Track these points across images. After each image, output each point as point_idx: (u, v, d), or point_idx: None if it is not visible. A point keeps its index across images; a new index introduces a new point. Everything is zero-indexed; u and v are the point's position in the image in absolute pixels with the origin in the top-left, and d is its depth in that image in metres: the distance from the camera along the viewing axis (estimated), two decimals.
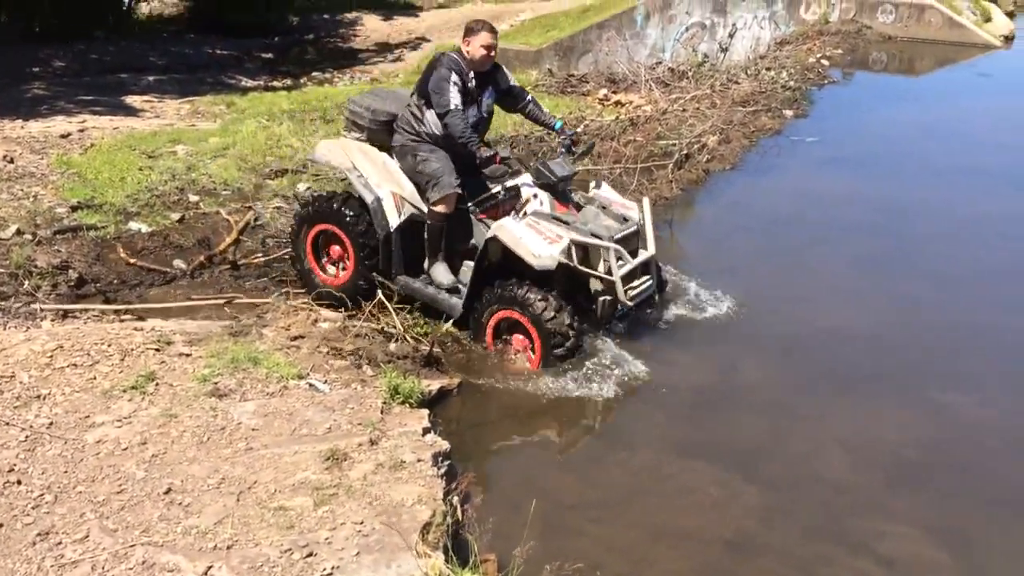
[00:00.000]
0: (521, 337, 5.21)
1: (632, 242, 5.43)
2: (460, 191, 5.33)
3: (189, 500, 3.42)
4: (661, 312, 5.80)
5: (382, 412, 4.26)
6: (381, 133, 5.66)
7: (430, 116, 5.32)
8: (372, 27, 15.29)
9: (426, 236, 5.50)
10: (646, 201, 5.70)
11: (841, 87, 13.38)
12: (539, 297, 5.03)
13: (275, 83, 12.16)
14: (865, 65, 14.99)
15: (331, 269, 5.83)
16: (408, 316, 5.49)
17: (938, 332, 6.03)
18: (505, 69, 5.68)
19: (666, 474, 4.49)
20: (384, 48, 14.18)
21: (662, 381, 5.14)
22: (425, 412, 4.39)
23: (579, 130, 8.96)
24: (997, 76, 14.54)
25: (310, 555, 3.15)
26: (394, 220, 5.44)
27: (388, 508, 3.46)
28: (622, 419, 4.82)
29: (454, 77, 5.19)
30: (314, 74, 12.78)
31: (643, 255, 5.45)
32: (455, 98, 5.16)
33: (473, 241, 5.50)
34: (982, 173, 9.39)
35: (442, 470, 3.89)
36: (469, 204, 5.45)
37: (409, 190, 5.51)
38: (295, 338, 4.92)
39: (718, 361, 5.36)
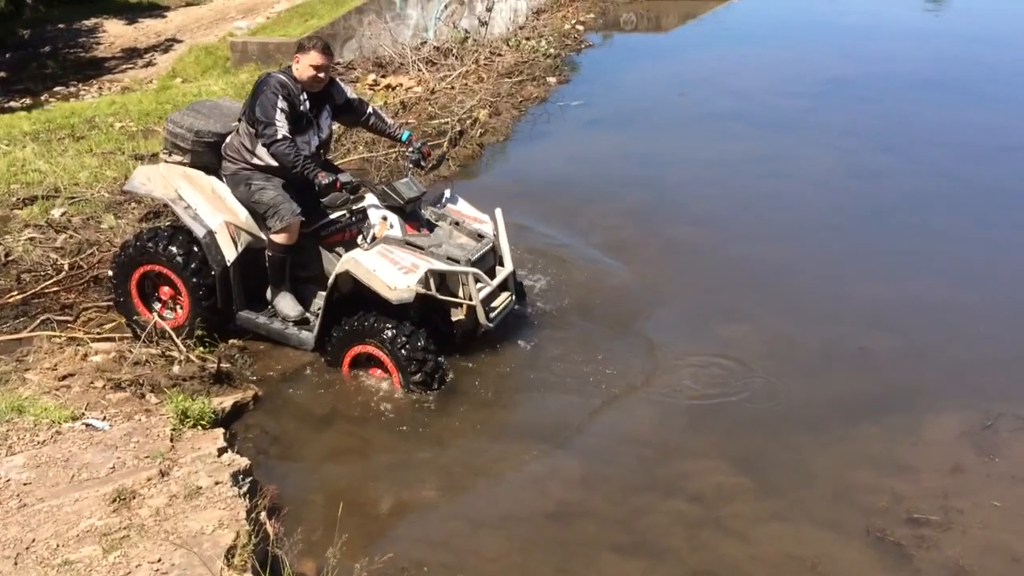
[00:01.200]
0: (379, 371, 4.94)
1: (489, 259, 5.22)
2: (302, 219, 4.98)
3: None
4: None
5: (171, 440, 4.04)
6: (206, 155, 5.19)
7: (262, 149, 4.92)
8: (116, 32, 14.33)
9: (268, 267, 5.12)
10: (499, 213, 5.45)
11: (598, 50, 13.95)
12: (389, 326, 4.78)
13: (12, 103, 11.19)
14: (617, 27, 15.72)
15: (168, 314, 5.31)
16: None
17: (703, 270, 6.43)
18: (340, 83, 5.34)
19: (480, 463, 4.48)
20: (132, 53, 13.37)
21: (461, 367, 5.11)
22: (220, 432, 4.20)
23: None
24: (735, 26, 15.67)
25: None
26: (230, 254, 5.01)
27: (187, 539, 3.28)
28: (428, 414, 4.75)
29: (280, 102, 4.79)
30: (56, 89, 11.88)
31: (501, 273, 5.24)
32: (282, 127, 4.78)
33: (320, 268, 5.18)
34: (727, 118, 10.10)
35: (243, 489, 3.73)
36: (315, 228, 5.11)
37: (244, 217, 5.09)
38: (64, 377, 4.57)
39: (512, 336, 5.43)
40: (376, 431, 4.70)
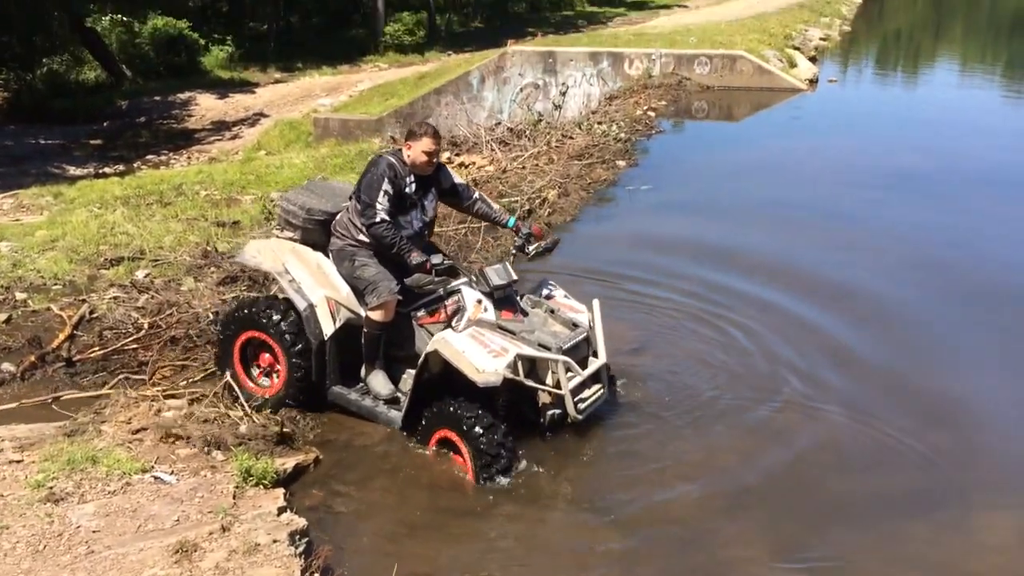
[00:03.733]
0: (461, 459, 4.88)
1: (582, 349, 5.12)
2: (399, 297, 5.08)
3: None
4: None
5: (234, 497, 4.18)
6: (316, 232, 5.37)
7: None
8: (207, 106, 15.12)
9: (363, 343, 5.21)
10: (596, 304, 5.39)
11: (669, 136, 14.14)
12: (469, 415, 4.75)
13: (106, 169, 11.86)
14: (689, 114, 15.90)
15: (264, 380, 5.48)
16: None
17: (765, 357, 6.37)
18: (447, 168, 5.48)
19: (524, 531, 4.50)
20: (221, 126, 14.07)
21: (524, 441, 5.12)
22: (280, 491, 4.33)
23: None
24: (805, 117, 15.75)
25: None
26: (328, 328, 5.14)
27: None
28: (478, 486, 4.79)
29: (386, 185, 4.97)
30: (148, 157, 12.54)
31: (594, 364, 5.15)
32: (382, 210, 4.95)
33: (414, 348, 5.21)
34: (796, 207, 10.10)
35: (300, 548, 3.84)
36: (411, 309, 5.20)
37: (345, 293, 5.22)
38: (137, 431, 4.76)
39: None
40: (427, 496, 4.75)
